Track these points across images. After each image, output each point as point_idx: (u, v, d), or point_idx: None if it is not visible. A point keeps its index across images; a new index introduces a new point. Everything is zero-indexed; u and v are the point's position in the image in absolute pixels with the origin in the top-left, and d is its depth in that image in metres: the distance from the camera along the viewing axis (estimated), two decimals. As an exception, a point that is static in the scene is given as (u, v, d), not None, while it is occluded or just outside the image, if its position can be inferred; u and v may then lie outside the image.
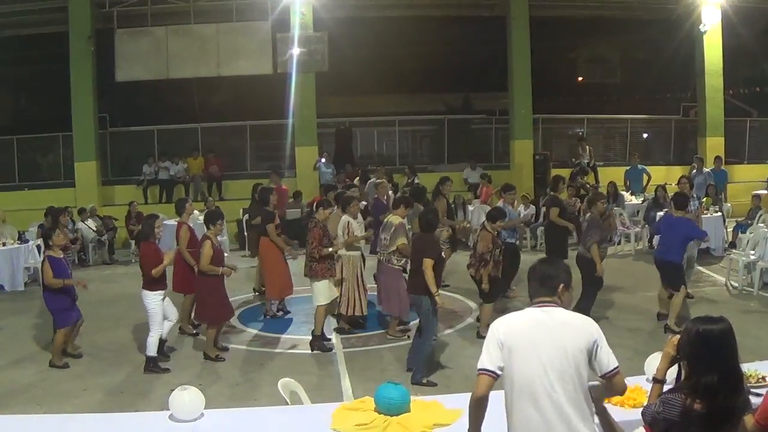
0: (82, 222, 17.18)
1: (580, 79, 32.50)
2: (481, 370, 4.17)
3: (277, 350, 9.97)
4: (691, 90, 23.85)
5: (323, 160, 20.64)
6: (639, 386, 5.27)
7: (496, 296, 10.46)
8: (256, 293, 12.89)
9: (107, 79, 19.95)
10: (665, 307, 10.56)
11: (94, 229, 17.23)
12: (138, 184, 21.01)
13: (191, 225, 11.16)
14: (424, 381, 8.40)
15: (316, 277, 9.85)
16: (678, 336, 4.15)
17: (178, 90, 23.74)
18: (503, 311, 11.35)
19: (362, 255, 10.95)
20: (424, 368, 8.56)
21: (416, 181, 18.25)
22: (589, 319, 4.21)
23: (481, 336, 10.10)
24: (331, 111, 24.99)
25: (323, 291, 9.88)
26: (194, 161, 21.39)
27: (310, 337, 10.00)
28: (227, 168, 21.83)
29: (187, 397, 5.35)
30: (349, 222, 10.49)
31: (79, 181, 19.90)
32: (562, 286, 4.23)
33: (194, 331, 10.73)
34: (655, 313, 10.80)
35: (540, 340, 4.03)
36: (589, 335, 4.07)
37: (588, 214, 11.01)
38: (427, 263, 8.45)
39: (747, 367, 5.23)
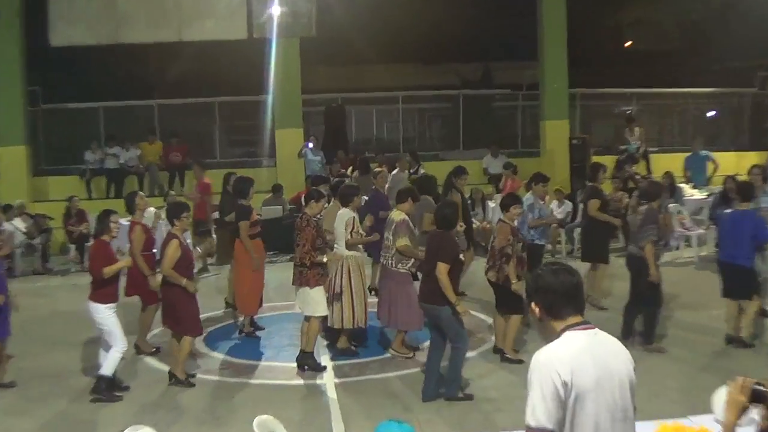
0: (9, 222, 17.09)
1: (627, 44, 32.46)
2: (537, 429, 3.85)
3: (252, 380, 9.89)
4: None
5: (310, 145, 20.58)
6: (705, 428, 5.16)
7: (525, 306, 10.37)
8: (228, 308, 12.83)
9: (39, 43, 19.81)
10: (735, 328, 10.47)
11: (24, 230, 17.15)
12: (80, 175, 20.93)
13: (147, 224, 11.12)
14: (460, 395, 8.68)
15: (309, 285, 9.87)
16: (744, 379, 3.91)
17: (131, 58, 23.72)
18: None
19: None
20: (459, 380, 8.83)
21: (421, 171, 18.20)
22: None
23: (507, 359, 10.08)
24: (320, 85, 24.97)
25: (320, 300, 9.93)
26: (150, 147, 21.34)
27: (294, 364, 10.02)
28: (191, 155, 21.76)
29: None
30: (354, 218, 10.48)
31: (4, 171, 19.80)
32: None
33: (153, 349, 10.81)
34: (722, 335, 10.70)
35: (602, 376, 3.86)
36: (631, 361, 4.05)
37: (643, 207, 10.89)
38: (441, 268, 8.50)
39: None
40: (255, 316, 11.91)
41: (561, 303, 4.04)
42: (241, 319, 11.93)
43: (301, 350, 10.04)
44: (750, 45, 25.37)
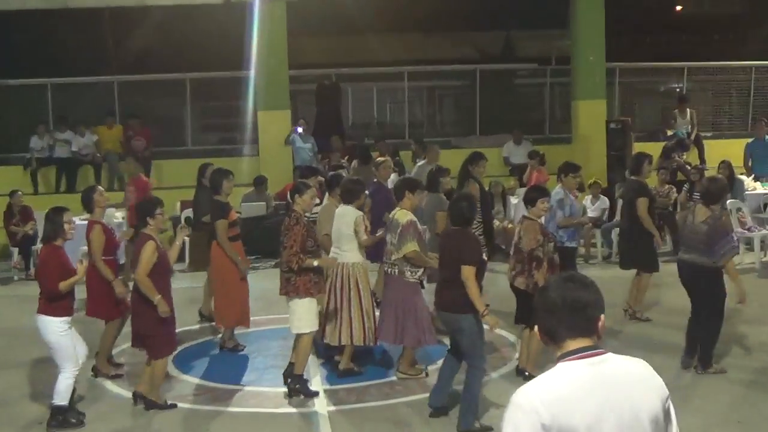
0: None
1: (678, 8, 32.47)
2: None
3: (231, 408, 9.89)
4: None
5: (300, 130, 20.63)
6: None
7: None
8: (203, 321, 12.89)
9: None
10: None
11: (45, 229, 17.15)
12: (24, 165, 20.97)
13: (106, 224, 11.16)
14: (477, 425, 8.61)
15: (297, 295, 9.79)
16: None
17: (83, 26, 23.75)
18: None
19: None
20: (475, 408, 8.72)
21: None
22: (646, 363, 3.98)
23: (530, 376, 10.13)
24: (311, 59, 25.09)
25: (307, 314, 9.86)
26: (109, 131, 21.41)
27: (280, 388, 10.06)
28: (158, 142, 21.82)
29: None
30: (363, 216, 10.55)
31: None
32: (602, 318, 3.88)
33: (115, 372, 10.83)
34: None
35: (605, 416, 3.70)
36: (661, 390, 3.88)
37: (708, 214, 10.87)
38: (467, 272, 8.50)
39: None
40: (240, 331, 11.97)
41: (560, 323, 3.87)
42: (220, 334, 12.00)
43: (291, 372, 10.02)
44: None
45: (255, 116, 21.34)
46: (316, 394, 9.95)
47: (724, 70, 25.44)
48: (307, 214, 10.16)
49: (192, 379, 10.79)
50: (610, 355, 3.83)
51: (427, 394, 9.68)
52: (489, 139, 23.19)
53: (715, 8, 31.65)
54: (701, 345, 10.37)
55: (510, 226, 12.86)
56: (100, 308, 10.61)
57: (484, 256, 9.17)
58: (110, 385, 10.54)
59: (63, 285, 8.92)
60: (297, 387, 9.93)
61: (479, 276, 8.75)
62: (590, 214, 16.63)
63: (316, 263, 9.76)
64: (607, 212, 17.38)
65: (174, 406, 9.68)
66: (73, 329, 9.28)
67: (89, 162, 21.04)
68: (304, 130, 20.75)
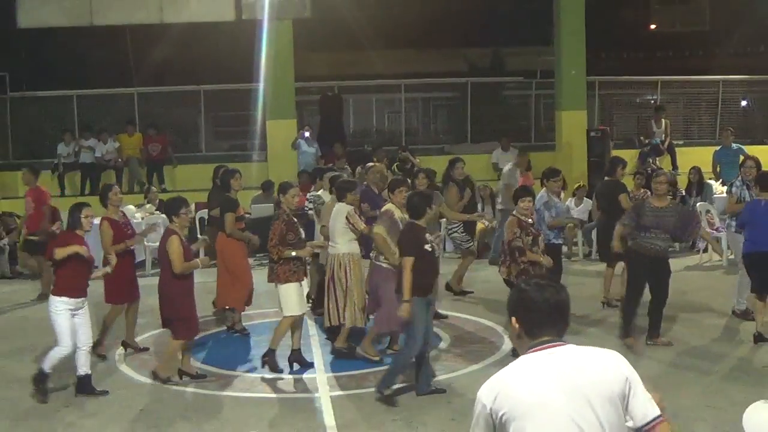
0: (-28, 220, 17.11)
1: (652, 27, 32.46)
2: None
3: (239, 393, 9.85)
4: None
5: (306, 134, 20.57)
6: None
7: None
8: (217, 311, 12.89)
9: (5, 24, 19.84)
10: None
11: (69, 219, 17.09)
12: (52, 169, 20.92)
13: (119, 219, 11.21)
14: (385, 393, 9.09)
15: (279, 281, 10.18)
16: None
17: (106, 41, 23.74)
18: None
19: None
20: (391, 379, 9.19)
21: (416, 166, 18.27)
22: (613, 351, 4.11)
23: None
24: (315, 72, 25.04)
25: (292, 297, 10.16)
26: (129, 139, 21.35)
27: (287, 376, 10.16)
28: (175, 148, 21.78)
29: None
30: (353, 209, 10.75)
31: (-32, 165, 19.85)
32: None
33: (141, 347, 11.22)
34: (751, 343, 10.75)
35: (552, 399, 3.78)
36: (619, 375, 3.98)
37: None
38: (405, 262, 8.89)
39: None
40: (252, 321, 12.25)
41: (539, 322, 3.99)
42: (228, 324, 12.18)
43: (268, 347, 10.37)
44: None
45: (264, 125, 21.31)
46: (281, 370, 10.18)
47: (694, 83, 25.43)
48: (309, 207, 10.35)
49: (204, 366, 10.73)
50: (570, 345, 3.94)
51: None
52: (479, 146, 23.19)
53: (686, 27, 31.65)
54: (657, 318, 10.79)
55: (494, 223, 12.91)
56: (116, 294, 10.77)
57: (429, 248, 9.16)
58: (129, 372, 10.55)
59: (59, 251, 9.23)
60: (266, 359, 10.29)
61: (425, 267, 8.93)
62: (575, 215, 16.61)
63: (293, 254, 10.09)
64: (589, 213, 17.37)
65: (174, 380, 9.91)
66: (81, 316, 9.45)
67: (111, 167, 21.01)
68: (309, 134, 20.71)
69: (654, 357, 10.52)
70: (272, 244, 10.12)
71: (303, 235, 10.41)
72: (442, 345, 11.38)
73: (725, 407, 8.36)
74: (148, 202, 17.37)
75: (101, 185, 19.69)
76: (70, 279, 9.29)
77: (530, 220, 10.66)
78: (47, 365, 9.35)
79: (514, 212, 10.76)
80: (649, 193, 14.51)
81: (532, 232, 10.46)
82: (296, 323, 10.35)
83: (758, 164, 12.56)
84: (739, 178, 12.22)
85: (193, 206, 17.18)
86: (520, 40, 28.19)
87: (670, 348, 10.86)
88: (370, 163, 14.95)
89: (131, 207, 17.34)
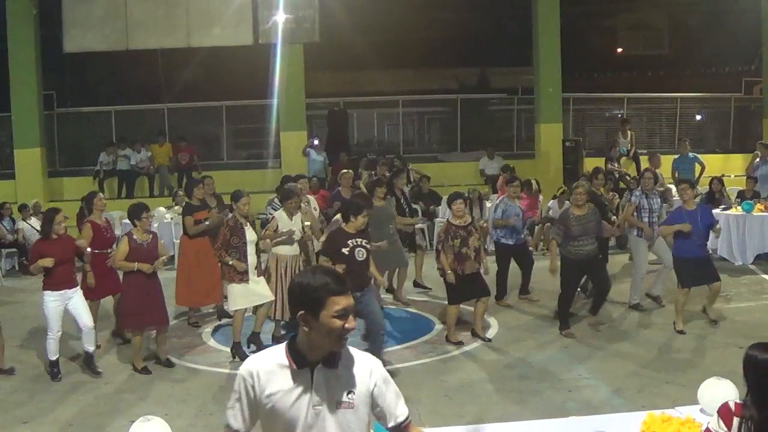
0: (24, 221, 17.11)
1: (619, 50, 32.44)
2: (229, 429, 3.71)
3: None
4: (756, 62, 23.77)
5: (316, 142, 20.54)
6: (691, 418, 5.19)
7: (460, 298, 10.68)
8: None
9: (54, 49, 19.86)
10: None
11: (38, 229, 17.12)
12: (93, 175, 20.93)
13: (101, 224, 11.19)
14: None
15: (226, 279, 10.34)
16: None
17: (140, 63, 23.69)
18: (521, 324, 11.39)
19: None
20: None
21: (411, 176, 18.25)
22: (366, 354, 3.72)
23: (449, 340, 10.67)
24: (323, 89, 24.98)
25: (234, 295, 10.20)
26: (160, 149, 21.35)
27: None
28: (200, 157, 21.77)
29: (150, 430, 5.29)
30: (274, 218, 10.86)
31: (21, 172, 19.87)
32: (300, 313, 3.49)
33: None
34: (705, 332, 10.78)
35: (296, 397, 3.51)
36: (365, 376, 3.61)
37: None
38: (322, 260, 9.21)
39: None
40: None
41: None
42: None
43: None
44: (735, 51, 25.47)
45: (277, 136, 21.30)
46: (246, 356, 10.02)
47: (656, 100, 25.42)
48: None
49: (225, 349, 10.72)
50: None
51: (415, 362, 9.79)
52: (468, 155, 23.17)
53: (648, 51, 31.60)
54: (599, 302, 11.18)
55: (484, 225, 12.88)
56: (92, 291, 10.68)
57: (348, 252, 9.22)
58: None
59: (33, 269, 9.54)
60: (233, 350, 10.31)
61: (346, 269, 8.76)
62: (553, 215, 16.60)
63: (230, 263, 10.04)
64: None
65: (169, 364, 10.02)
66: (75, 303, 9.64)
67: (144, 173, 21.06)
68: (318, 143, 20.69)
69: (618, 341, 10.56)
70: (216, 247, 10.23)
71: (247, 239, 10.17)
72: (435, 330, 11.40)
73: (683, 383, 8.39)
74: (176, 205, 17.37)
75: (137, 191, 20.04)
76: (52, 277, 9.51)
77: (461, 222, 10.55)
78: (50, 354, 9.60)
79: (448, 218, 10.89)
80: (617, 196, 14.60)
81: (461, 234, 10.40)
82: (261, 310, 10.37)
83: (655, 175, 12.71)
84: (639, 188, 12.32)
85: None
86: (504, 61, 28.08)
87: (634, 334, 10.91)
88: (344, 170, 14.96)
89: (161, 209, 17.37)
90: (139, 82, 25.02)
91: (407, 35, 26.68)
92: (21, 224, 17.01)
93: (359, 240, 9.29)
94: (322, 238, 10.41)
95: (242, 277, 10.06)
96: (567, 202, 17.15)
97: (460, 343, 10.51)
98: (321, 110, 23.80)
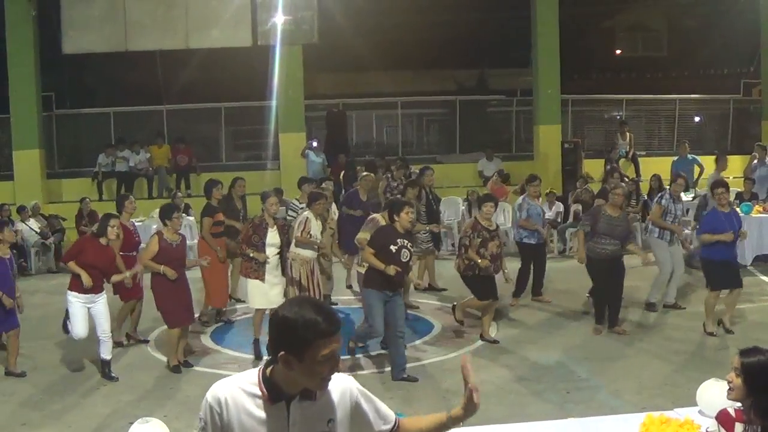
0: (23, 222, 17.10)
1: (618, 52, 32.48)
2: None
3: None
4: (755, 64, 23.78)
5: (315, 144, 20.55)
6: (689, 419, 5.20)
7: (487, 296, 10.73)
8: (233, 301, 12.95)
9: (53, 50, 19.87)
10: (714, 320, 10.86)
11: (37, 230, 17.16)
12: (92, 177, 20.93)
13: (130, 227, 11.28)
14: (349, 344, 9.79)
15: (244, 275, 10.48)
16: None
17: (139, 65, 23.70)
18: (533, 323, 11.40)
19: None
20: (361, 336, 9.87)
21: (412, 175, 18.21)
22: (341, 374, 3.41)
23: (457, 320, 11.01)
24: (322, 91, 25.03)
25: (253, 292, 10.31)
26: (159, 150, 21.38)
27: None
28: (198, 158, 21.77)
29: None
30: (308, 219, 10.73)
31: (19, 174, 19.88)
32: (281, 354, 3.11)
33: (141, 338, 11.22)
34: (701, 331, 10.79)
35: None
36: (344, 398, 3.37)
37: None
38: (366, 251, 9.43)
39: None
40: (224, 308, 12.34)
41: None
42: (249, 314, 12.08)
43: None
44: (734, 53, 25.50)
45: (276, 137, 21.33)
46: (261, 356, 10.11)
47: (655, 101, 25.47)
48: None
49: (226, 351, 10.74)
50: None
51: (415, 364, 9.80)
52: (467, 156, 23.19)
53: (647, 52, 31.64)
54: (613, 311, 11.08)
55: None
56: (120, 291, 10.78)
57: (396, 250, 9.18)
58: (154, 353, 10.63)
59: (71, 266, 9.50)
60: (253, 347, 10.34)
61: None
62: (547, 217, 16.62)
63: (250, 254, 10.21)
64: (561, 215, 17.37)
65: (179, 371, 9.90)
66: (97, 308, 9.61)
67: (143, 175, 21.07)
68: (317, 145, 20.70)
69: (619, 341, 10.58)
70: (237, 241, 10.64)
71: (266, 240, 10.22)
72: (435, 331, 11.42)
73: (682, 384, 8.39)
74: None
75: (135, 192, 20.04)
76: (76, 278, 9.48)
77: (487, 224, 10.66)
78: (103, 354, 9.63)
79: (476, 215, 10.98)
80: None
81: (484, 236, 10.47)
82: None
83: (687, 181, 12.70)
84: (668, 192, 12.29)
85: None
86: (503, 62, 28.12)
87: (635, 334, 10.92)
88: (365, 173, 14.93)
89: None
90: (138, 84, 25.02)
91: (406, 37, 26.67)
92: (20, 225, 16.97)
93: (406, 241, 9.27)
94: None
95: (258, 273, 10.14)
96: (557, 203, 17.35)
97: (496, 341, 10.69)
98: (320, 112, 23.81)
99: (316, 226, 10.75)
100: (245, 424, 3.18)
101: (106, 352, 9.68)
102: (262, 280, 10.18)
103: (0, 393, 9.28)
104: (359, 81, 27.80)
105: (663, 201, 12.07)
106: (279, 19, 19.39)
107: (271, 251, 10.22)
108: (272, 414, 3.17)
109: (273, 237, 10.27)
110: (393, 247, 9.12)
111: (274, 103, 21.01)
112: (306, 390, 3.20)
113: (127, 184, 20.86)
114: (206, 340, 11.32)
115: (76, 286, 9.47)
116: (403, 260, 9.19)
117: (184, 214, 16.38)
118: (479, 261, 10.33)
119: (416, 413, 7.84)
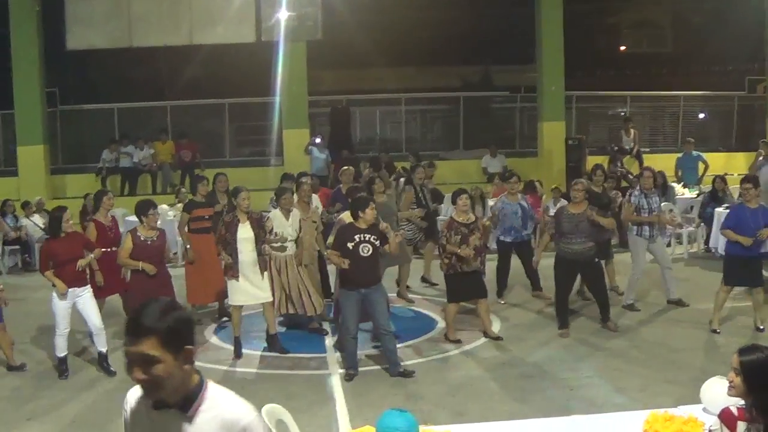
0: (27, 218, 17.14)
1: (622, 48, 32.47)
2: None
3: (260, 370, 9.92)
4: (759, 61, 23.74)
5: (318, 140, 20.51)
6: (693, 417, 5.20)
7: (458, 297, 10.72)
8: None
9: (56, 46, 19.91)
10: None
11: (42, 226, 17.17)
12: (96, 173, 20.94)
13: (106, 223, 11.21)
14: (350, 372, 9.42)
15: (224, 275, 10.35)
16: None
17: (143, 61, 23.75)
18: (524, 321, 11.40)
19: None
20: (348, 360, 9.56)
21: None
22: (241, 405, 3.25)
23: (448, 339, 10.71)
24: (326, 87, 25.02)
25: (231, 291, 10.26)
26: (162, 146, 21.38)
27: (301, 356, 10.26)
28: (202, 154, 21.77)
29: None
30: (268, 218, 10.73)
31: (23, 169, 19.91)
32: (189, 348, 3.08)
33: None
34: (706, 328, 10.79)
35: None
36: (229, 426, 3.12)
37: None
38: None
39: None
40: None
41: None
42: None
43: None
44: (739, 50, 25.45)
45: (280, 133, 21.33)
46: (240, 356, 10.27)
47: (659, 98, 25.43)
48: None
49: (229, 347, 10.72)
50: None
51: (419, 360, 9.88)
52: (470, 153, 23.19)
53: (652, 49, 31.62)
54: (603, 309, 11.09)
55: (488, 223, 12.86)
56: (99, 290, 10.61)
57: (352, 247, 9.20)
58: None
59: (48, 275, 9.51)
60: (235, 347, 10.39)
61: (352, 263, 9.09)
62: (552, 213, 16.59)
63: (221, 257, 10.19)
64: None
65: None
66: (84, 303, 9.61)
67: (147, 171, 21.07)
68: (320, 141, 20.65)
69: (622, 338, 10.58)
70: (215, 242, 10.38)
71: (237, 236, 10.12)
72: (438, 328, 11.42)
73: (686, 382, 8.39)
74: (179, 202, 17.38)
75: (139, 188, 20.07)
76: (61, 275, 9.47)
77: (464, 218, 10.57)
78: (58, 351, 9.63)
79: (451, 214, 10.91)
80: (620, 194, 14.57)
81: (462, 231, 10.38)
82: (266, 312, 10.41)
83: (654, 174, 12.59)
84: (638, 187, 12.23)
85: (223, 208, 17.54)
86: (507, 59, 28.09)
87: (636, 332, 10.92)
88: (344, 167, 14.85)
89: (164, 206, 17.34)
90: (142, 80, 25.08)
91: (410, 33, 26.70)
92: (24, 221, 17.05)
93: (367, 236, 9.21)
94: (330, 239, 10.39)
95: (233, 273, 10.09)
96: (562, 199, 17.31)
97: (458, 341, 10.53)
98: (323, 108, 23.82)
99: (283, 223, 10.78)
100: (136, 426, 3.21)
101: (102, 345, 9.73)
102: (237, 278, 10.12)
103: (4, 388, 9.32)
104: (363, 77, 27.82)
105: (632, 198, 12.04)
106: (283, 15, 19.44)
107: (246, 245, 10.10)
108: (153, 420, 3.15)
109: (245, 231, 10.14)
110: (350, 244, 9.17)
111: (277, 99, 21.02)
112: (183, 401, 3.10)
113: (131, 180, 20.88)
114: (209, 336, 11.37)
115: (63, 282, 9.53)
116: (363, 255, 9.17)
117: (166, 206, 16.47)
118: (459, 251, 10.21)
119: (420, 410, 7.89)
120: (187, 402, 3.09)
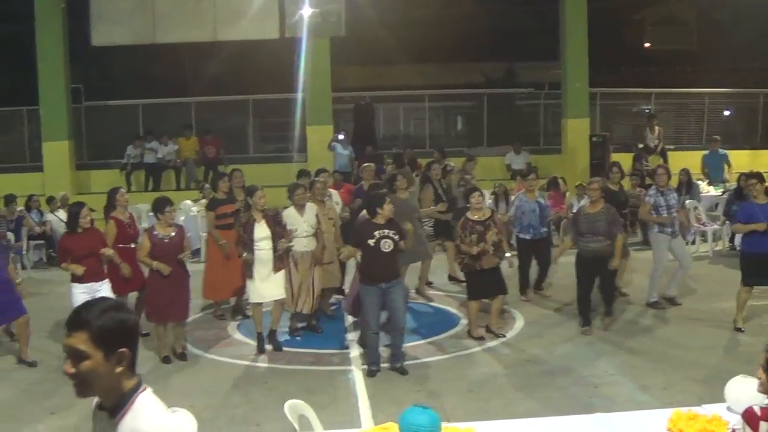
0: (52, 213, 17.26)
1: (647, 45, 32.29)
2: None
3: (282, 365, 9.94)
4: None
5: (341, 137, 20.51)
6: (717, 416, 5.16)
7: (478, 294, 10.71)
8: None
9: (81, 43, 20.04)
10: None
11: (66, 221, 17.25)
12: (120, 168, 21.06)
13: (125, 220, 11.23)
14: (373, 368, 9.41)
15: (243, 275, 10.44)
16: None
17: (167, 57, 23.86)
18: (539, 320, 11.37)
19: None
20: (371, 356, 9.53)
21: (448, 166, 18.14)
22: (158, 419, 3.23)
23: (471, 336, 10.67)
24: (349, 84, 25.01)
25: (249, 289, 10.36)
26: (186, 142, 21.46)
27: (324, 352, 10.35)
28: (226, 150, 21.84)
29: (176, 422, 5.30)
30: (282, 215, 10.76)
31: (48, 165, 20.06)
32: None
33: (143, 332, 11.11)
34: (730, 327, 10.71)
35: None
36: None
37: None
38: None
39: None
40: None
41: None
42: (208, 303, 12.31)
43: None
44: (764, 46, 25.24)
45: (303, 130, 21.34)
46: (263, 350, 10.33)
47: (684, 95, 25.29)
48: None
49: (253, 342, 10.75)
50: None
51: (442, 357, 9.87)
52: (494, 149, 23.13)
53: (676, 45, 31.39)
54: (606, 305, 11.13)
55: (505, 218, 12.87)
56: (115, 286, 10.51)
57: (374, 243, 9.20)
58: (190, 346, 10.64)
59: (64, 267, 9.75)
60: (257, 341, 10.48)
61: (370, 259, 9.22)
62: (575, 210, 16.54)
63: (243, 257, 10.17)
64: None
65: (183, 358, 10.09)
66: (99, 296, 9.51)
67: (171, 166, 21.17)
68: (344, 138, 20.66)
69: (643, 338, 10.53)
70: (236, 243, 10.43)
71: (254, 236, 10.10)
72: (460, 325, 11.42)
73: (710, 380, 8.34)
74: (203, 198, 17.44)
75: (163, 184, 20.15)
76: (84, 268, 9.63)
77: (478, 216, 10.53)
78: None
79: (466, 213, 10.79)
80: (644, 191, 14.50)
81: (478, 230, 10.36)
82: (274, 309, 10.42)
83: (668, 172, 12.47)
84: (654, 186, 12.13)
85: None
86: (531, 55, 27.99)
87: (657, 330, 10.87)
88: (366, 164, 14.84)
89: (188, 201, 17.48)
90: (166, 76, 25.19)
91: (433, 29, 26.63)
92: (49, 216, 17.18)
93: (386, 231, 9.23)
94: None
95: (249, 273, 10.14)
96: (586, 197, 17.24)
97: (481, 339, 10.53)
98: (347, 104, 23.82)
99: (297, 220, 10.76)
100: (91, 423, 3.20)
101: None
102: (252, 277, 10.16)
103: (24, 382, 9.43)
104: (386, 74, 27.81)
105: (648, 198, 11.97)
106: (306, 11, 19.46)
107: (263, 245, 10.10)
108: (98, 421, 3.13)
109: (261, 231, 10.13)
110: (371, 241, 9.18)
111: (300, 95, 21.03)
112: (113, 406, 3.04)
113: (156, 175, 20.98)
114: (233, 331, 11.44)
115: (77, 277, 9.64)
116: (384, 250, 9.18)
117: (190, 202, 16.51)
118: (471, 250, 10.22)
119: (442, 407, 7.88)
120: (117, 407, 3.02)
